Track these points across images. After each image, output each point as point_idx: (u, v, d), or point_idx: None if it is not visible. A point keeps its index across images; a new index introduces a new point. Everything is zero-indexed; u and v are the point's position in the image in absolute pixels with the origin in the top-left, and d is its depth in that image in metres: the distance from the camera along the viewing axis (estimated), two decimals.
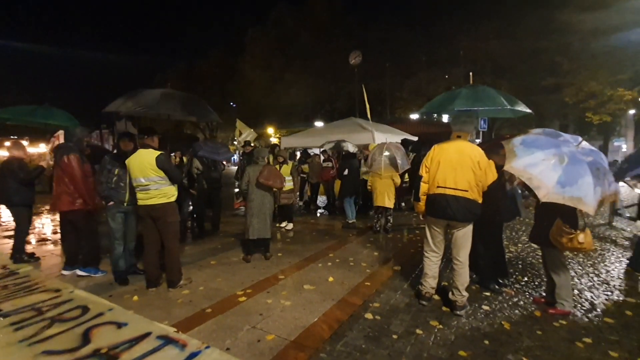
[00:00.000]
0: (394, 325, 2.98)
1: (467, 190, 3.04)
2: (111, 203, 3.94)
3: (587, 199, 2.57)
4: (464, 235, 3.17)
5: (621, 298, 3.53)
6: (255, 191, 4.72)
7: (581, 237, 2.88)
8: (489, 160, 3.18)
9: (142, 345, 2.53)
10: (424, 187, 3.27)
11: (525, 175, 2.77)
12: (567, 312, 3.15)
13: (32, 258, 4.88)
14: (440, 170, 3.14)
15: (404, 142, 8.26)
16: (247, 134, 8.45)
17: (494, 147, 3.51)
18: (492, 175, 3.14)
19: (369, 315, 3.15)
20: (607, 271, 4.29)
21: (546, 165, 2.74)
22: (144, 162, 3.60)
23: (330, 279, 4.05)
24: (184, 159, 6.38)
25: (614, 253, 5.04)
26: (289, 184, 6.27)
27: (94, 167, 4.18)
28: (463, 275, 3.19)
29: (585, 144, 2.97)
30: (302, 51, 25.90)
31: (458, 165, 3.07)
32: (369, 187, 6.65)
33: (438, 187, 3.13)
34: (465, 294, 3.21)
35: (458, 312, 3.17)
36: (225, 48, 32.09)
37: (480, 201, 3.12)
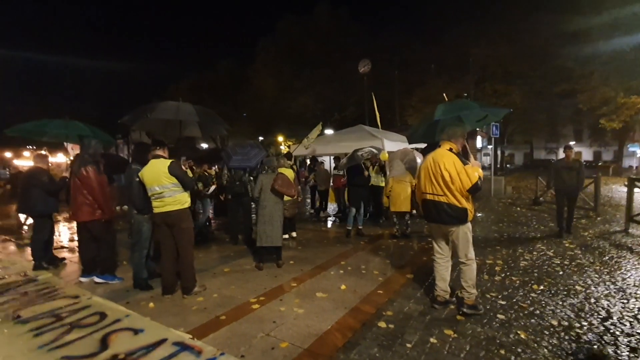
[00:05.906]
0: (407, 334, 2.97)
1: (443, 195, 3.21)
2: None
3: None
4: (459, 237, 3.25)
5: (637, 306, 3.45)
6: (268, 199, 4.78)
7: None
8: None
9: (159, 351, 2.58)
10: (417, 195, 3.64)
11: None
12: None
13: (61, 262, 5.16)
14: (422, 178, 3.42)
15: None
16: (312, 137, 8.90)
17: None
18: (468, 179, 3.07)
19: (382, 324, 3.14)
20: (624, 279, 4.20)
21: None
22: (157, 170, 3.71)
23: (343, 286, 4.05)
24: (194, 168, 6.46)
25: (630, 260, 4.93)
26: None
27: (113, 176, 4.30)
28: (468, 272, 3.27)
29: None
30: (310, 60, 26.19)
31: (432, 173, 3.28)
32: (388, 193, 6.64)
33: (422, 193, 3.42)
34: (473, 291, 3.26)
35: (465, 310, 3.23)
36: (236, 59, 32.80)
37: (461, 205, 3.15)
